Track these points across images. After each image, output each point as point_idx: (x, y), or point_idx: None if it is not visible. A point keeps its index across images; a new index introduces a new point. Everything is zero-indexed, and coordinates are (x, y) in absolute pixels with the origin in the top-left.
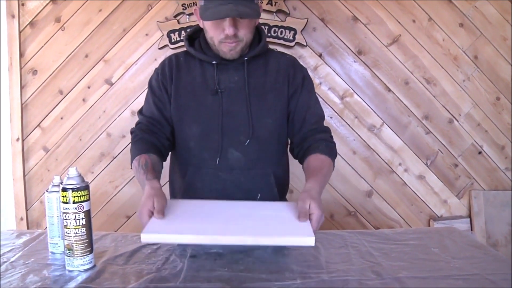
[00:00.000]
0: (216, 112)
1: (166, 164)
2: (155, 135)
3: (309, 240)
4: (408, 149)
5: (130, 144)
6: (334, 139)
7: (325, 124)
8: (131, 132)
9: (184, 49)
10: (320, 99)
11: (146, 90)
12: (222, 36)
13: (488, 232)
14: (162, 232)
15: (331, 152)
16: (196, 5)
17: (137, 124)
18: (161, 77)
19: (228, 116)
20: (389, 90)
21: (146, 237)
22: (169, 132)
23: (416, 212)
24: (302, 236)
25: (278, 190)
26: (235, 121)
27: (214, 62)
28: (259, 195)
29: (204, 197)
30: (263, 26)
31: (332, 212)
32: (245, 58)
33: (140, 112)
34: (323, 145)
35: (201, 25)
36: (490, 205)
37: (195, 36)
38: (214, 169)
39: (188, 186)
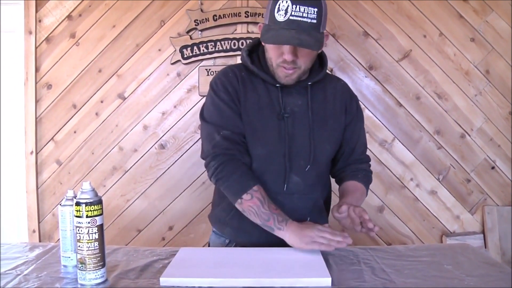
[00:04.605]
0: (282, 136)
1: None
2: (249, 157)
3: (326, 281)
4: (419, 164)
5: (221, 170)
6: None
7: None
8: (219, 154)
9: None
10: None
11: (211, 101)
12: (280, 60)
13: (502, 249)
14: (180, 276)
15: (367, 181)
16: (208, 21)
17: (224, 139)
18: (231, 89)
19: (291, 141)
20: (400, 105)
21: (165, 281)
22: None
23: (428, 227)
24: (319, 277)
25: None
26: (297, 146)
27: (278, 85)
28: (308, 218)
29: None
30: None
31: (343, 227)
32: (309, 83)
33: (220, 126)
34: (362, 174)
35: (263, 42)
36: (504, 221)
37: (253, 49)
38: (274, 193)
39: None
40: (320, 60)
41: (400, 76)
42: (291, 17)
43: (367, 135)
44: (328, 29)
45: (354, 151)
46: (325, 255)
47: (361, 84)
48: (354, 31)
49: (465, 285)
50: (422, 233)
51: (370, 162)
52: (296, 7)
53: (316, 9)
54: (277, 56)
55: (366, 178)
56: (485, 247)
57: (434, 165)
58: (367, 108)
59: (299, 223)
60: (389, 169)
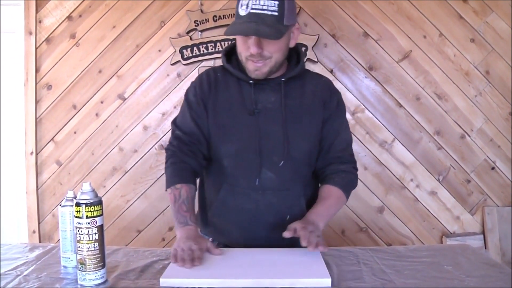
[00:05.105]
0: (253, 133)
1: None
2: (195, 158)
3: (326, 281)
4: (419, 165)
5: (167, 160)
6: None
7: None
8: (168, 149)
9: (216, 62)
10: None
11: (182, 103)
12: (247, 53)
13: (502, 249)
14: (180, 277)
15: (346, 185)
16: (208, 22)
17: (175, 138)
18: (199, 91)
19: (263, 137)
20: (401, 105)
21: (165, 281)
22: (207, 149)
23: (428, 228)
24: (319, 277)
25: (308, 211)
26: (270, 141)
27: (251, 81)
28: (288, 216)
29: (236, 216)
30: None
31: (343, 228)
32: (283, 79)
33: (177, 126)
34: (340, 177)
35: (225, 35)
36: (504, 221)
37: (232, 51)
38: (247, 189)
39: (221, 204)
40: (298, 57)
41: (400, 77)
42: (251, 11)
43: (367, 135)
44: (328, 30)
45: (333, 147)
46: (325, 256)
47: (361, 85)
48: (354, 31)
49: (465, 286)
50: (422, 233)
51: (355, 165)
52: (256, 1)
53: (277, 2)
54: (244, 50)
55: (344, 180)
56: (485, 248)
57: (434, 165)
58: (367, 109)
59: (195, 234)
60: (389, 170)
